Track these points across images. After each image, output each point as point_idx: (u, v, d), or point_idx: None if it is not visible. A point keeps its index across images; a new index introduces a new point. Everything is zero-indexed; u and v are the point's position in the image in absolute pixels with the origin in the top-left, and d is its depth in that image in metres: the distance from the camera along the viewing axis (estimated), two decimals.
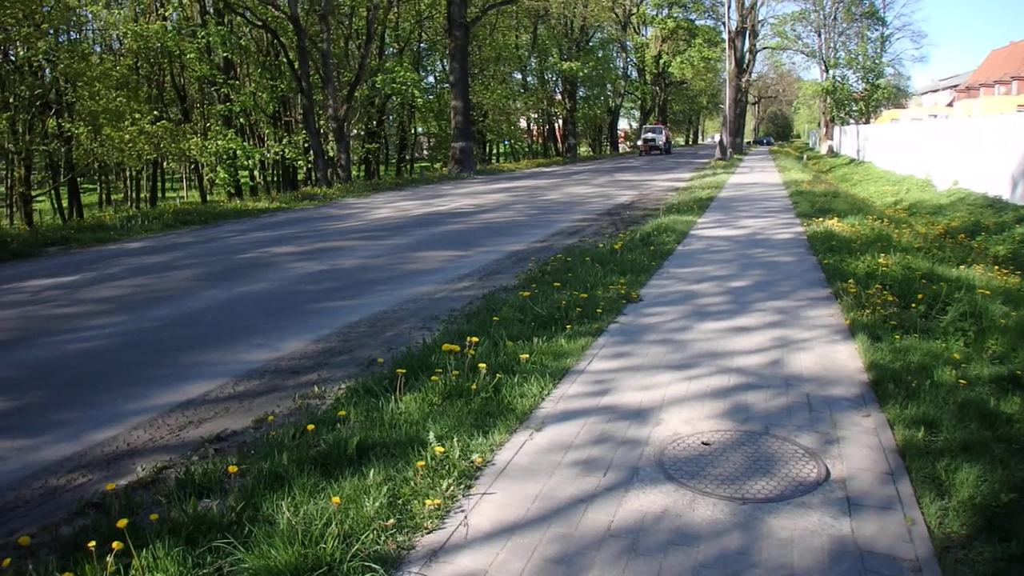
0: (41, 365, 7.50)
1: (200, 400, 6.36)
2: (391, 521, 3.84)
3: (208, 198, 43.03)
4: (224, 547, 3.64)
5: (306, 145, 40.73)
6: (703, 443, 4.85)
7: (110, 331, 8.76)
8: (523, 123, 77.10)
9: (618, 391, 5.87)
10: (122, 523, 3.59)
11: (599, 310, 8.13)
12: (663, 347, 7.02)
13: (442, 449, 4.57)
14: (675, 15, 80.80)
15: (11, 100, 28.97)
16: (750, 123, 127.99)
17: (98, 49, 40.97)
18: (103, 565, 3.42)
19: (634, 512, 4.02)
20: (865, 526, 3.84)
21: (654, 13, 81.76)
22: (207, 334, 8.53)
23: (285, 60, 40.94)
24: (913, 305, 7.83)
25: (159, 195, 48.92)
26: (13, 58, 30.44)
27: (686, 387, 5.92)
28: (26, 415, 6.13)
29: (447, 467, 4.42)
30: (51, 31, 30.63)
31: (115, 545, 3.43)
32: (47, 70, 32.00)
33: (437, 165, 57.66)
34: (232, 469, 4.43)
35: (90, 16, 36.98)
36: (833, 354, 6.70)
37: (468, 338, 6.40)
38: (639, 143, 74.37)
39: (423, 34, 55.79)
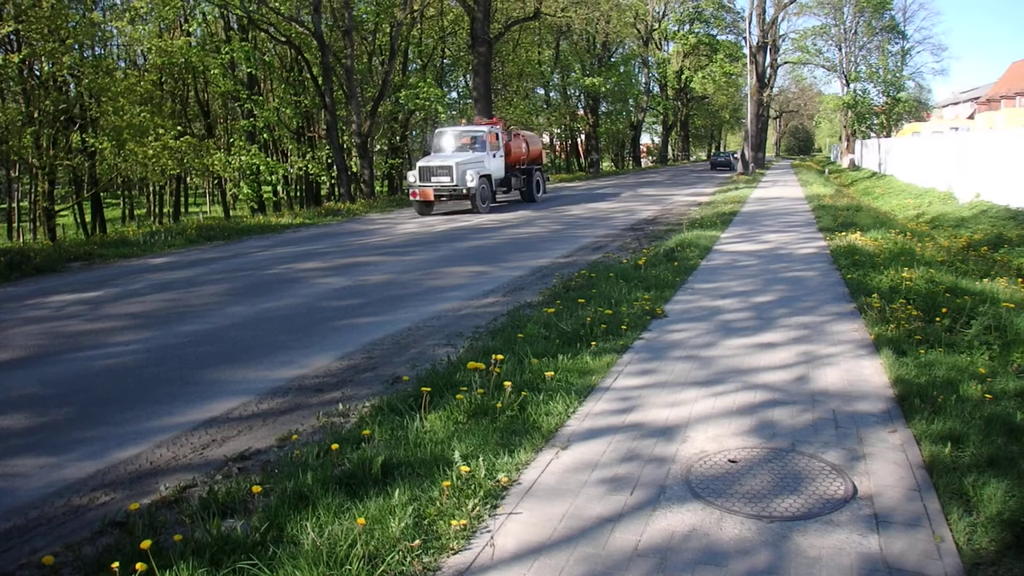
0: (65, 381, 7.52)
1: (224, 418, 6.36)
2: (417, 542, 3.81)
3: (231, 213, 43.34)
4: (248, 568, 3.62)
5: (329, 161, 40.93)
6: (730, 461, 4.81)
7: (134, 347, 8.78)
8: (546, 138, 77.15)
9: (644, 408, 5.82)
10: (146, 544, 3.57)
11: (624, 326, 8.09)
12: (689, 364, 6.97)
13: (468, 468, 4.54)
14: (696, 31, 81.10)
15: (36, 115, 29.22)
16: (772, 137, 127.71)
17: (122, 64, 41.34)
18: None
19: (661, 531, 3.98)
20: (893, 543, 3.80)
21: (676, 29, 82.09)
22: (231, 351, 8.54)
23: (309, 76, 41.18)
24: (937, 319, 7.77)
25: (182, 210, 49.20)
26: (38, 73, 30.71)
27: (712, 404, 5.88)
28: (50, 432, 6.14)
29: (473, 487, 4.39)
30: (76, 46, 30.87)
31: (139, 566, 3.40)
32: (72, 85, 32.29)
33: None
34: (256, 489, 4.42)
35: (115, 31, 37.25)
36: (858, 369, 6.65)
37: (493, 355, 6.37)
38: (409, 178, 29.63)
39: (446, 50, 55.97)
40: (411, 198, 28.23)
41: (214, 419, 6.32)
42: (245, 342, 8.92)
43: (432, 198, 27.21)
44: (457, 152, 28.85)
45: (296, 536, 3.92)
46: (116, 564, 3.48)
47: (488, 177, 28.36)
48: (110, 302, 11.80)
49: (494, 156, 29.18)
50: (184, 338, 9.15)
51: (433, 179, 27.15)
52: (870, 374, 6.50)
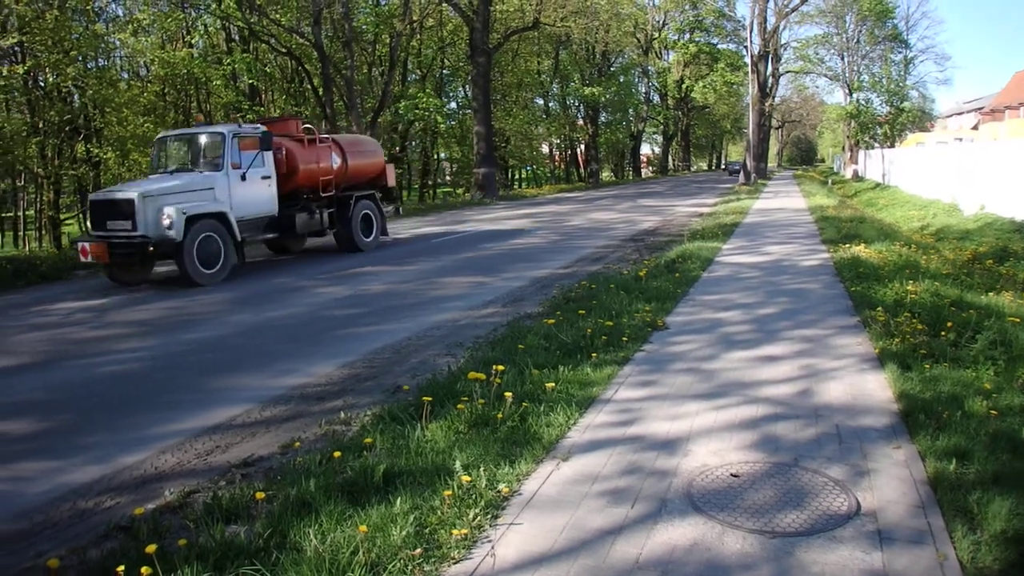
0: (70, 387, 7.57)
1: (227, 425, 6.38)
2: (418, 551, 3.82)
3: None
4: (252, 574, 3.65)
5: None
6: (732, 475, 4.78)
7: (139, 354, 8.82)
8: (545, 148, 76.99)
9: (645, 421, 5.81)
10: (151, 548, 3.60)
11: (625, 338, 8.05)
12: (690, 376, 6.95)
13: (469, 478, 4.55)
14: (697, 40, 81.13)
15: (41, 125, 29.30)
16: (774, 147, 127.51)
17: (126, 76, 41.22)
18: None
19: (663, 545, 3.96)
20: (896, 560, 3.76)
21: (676, 38, 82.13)
22: (234, 359, 8.57)
23: (309, 87, 41.27)
24: (942, 333, 7.68)
25: None
26: (43, 84, 30.77)
27: (714, 417, 5.86)
28: (55, 437, 6.18)
29: (474, 496, 4.40)
30: (80, 58, 30.86)
31: (144, 570, 3.43)
32: (76, 96, 32.29)
33: (459, 191, 57.60)
34: (259, 495, 4.44)
35: (118, 43, 37.22)
36: (862, 384, 6.59)
37: (493, 366, 6.36)
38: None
39: (445, 60, 56.04)
40: (82, 258, 14.53)
41: (218, 426, 6.35)
42: (248, 350, 8.95)
43: (108, 259, 14.15)
44: (161, 176, 15.86)
45: (299, 543, 3.93)
46: (121, 568, 3.51)
47: (222, 217, 15.12)
48: (114, 309, 11.85)
49: (243, 178, 15.76)
50: (188, 346, 9.19)
51: (110, 224, 14.38)
52: (874, 388, 6.44)
